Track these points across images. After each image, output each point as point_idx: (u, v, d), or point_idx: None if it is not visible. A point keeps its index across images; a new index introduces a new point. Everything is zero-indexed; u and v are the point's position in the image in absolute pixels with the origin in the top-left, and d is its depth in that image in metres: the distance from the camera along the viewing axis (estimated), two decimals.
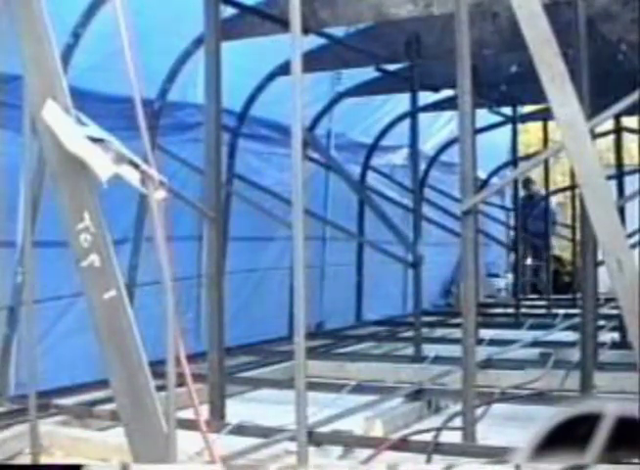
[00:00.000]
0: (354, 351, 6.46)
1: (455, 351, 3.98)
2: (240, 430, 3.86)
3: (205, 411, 3.71)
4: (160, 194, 2.68)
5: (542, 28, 2.65)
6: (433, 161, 8.91)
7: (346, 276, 8.14)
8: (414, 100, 6.32)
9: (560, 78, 2.64)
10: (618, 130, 6.95)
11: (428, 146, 8.97)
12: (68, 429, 3.99)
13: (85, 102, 3.20)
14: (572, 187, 8.32)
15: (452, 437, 3.58)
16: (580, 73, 4.10)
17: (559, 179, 11.60)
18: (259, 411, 4.34)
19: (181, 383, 2.67)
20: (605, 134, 7.14)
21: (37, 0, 2.62)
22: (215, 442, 3.06)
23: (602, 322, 6.00)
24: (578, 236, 6.56)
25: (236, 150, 6.63)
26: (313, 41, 5.41)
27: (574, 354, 4.94)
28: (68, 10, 4.56)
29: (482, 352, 5.12)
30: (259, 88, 6.48)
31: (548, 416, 1.00)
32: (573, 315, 6.56)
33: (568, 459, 0.97)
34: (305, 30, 4.03)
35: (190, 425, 2.91)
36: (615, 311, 5.48)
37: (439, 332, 7.50)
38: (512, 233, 10.09)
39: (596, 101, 4.00)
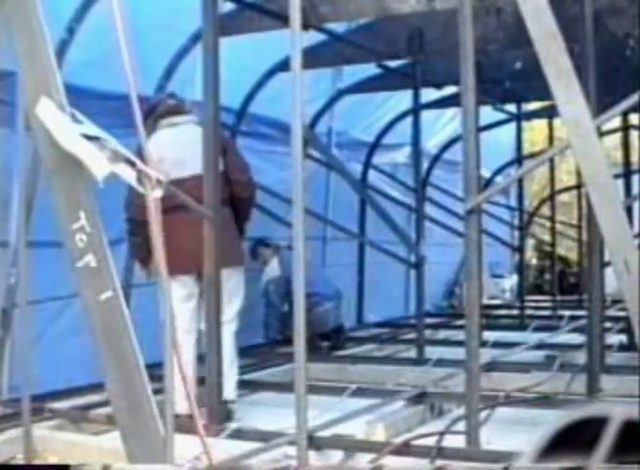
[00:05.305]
0: (355, 353, 6.39)
1: (458, 353, 3.92)
2: (239, 434, 3.80)
3: (203, 415, 3.66)
4: (157, 193, 2.64)
5: (547, 24, 2.60)
6: (435, 159, 8.85)
7: (347, 277, 8.07)
8: (416, 97, 6.26)
9: (566, 75, 2.59)
10: (626, 128, 6.87)
11: (430, 144, 8.92)
12: (62, 433, 3.93)
13: (80, 99, 3.18)
14: (579, 186, 8.26)
15: (455, 441, 3.52)
16: (587, 70, 4.05)
17: (565, 178, 11.56)
18: (259, 415, 4.28)
19: None
20: (612, 132, 7.06)
21: None
22: (214, 446, 3.01)
23: (609, 324, 5.95)
24: (585, 236, 6.48)
25: None
26: (313, 37, 5.35)
27: (581, 357, 4.89)
28: (62, 4, 4.52)
29: (486, 355, 5.06)
30: (258, 85, 6.43)
31: (553, 420, 0.96)
32: (580, 317, 6.50)
33: (572, 464, 0.94)
34: (305, 26, 3.97)
35: (188, 429, 2.85)
36: (622, 313, 5.41)
37: (442, 334, 7.44)
38: (516, 233, 10.04)
39: (603, 98, 3.96)
